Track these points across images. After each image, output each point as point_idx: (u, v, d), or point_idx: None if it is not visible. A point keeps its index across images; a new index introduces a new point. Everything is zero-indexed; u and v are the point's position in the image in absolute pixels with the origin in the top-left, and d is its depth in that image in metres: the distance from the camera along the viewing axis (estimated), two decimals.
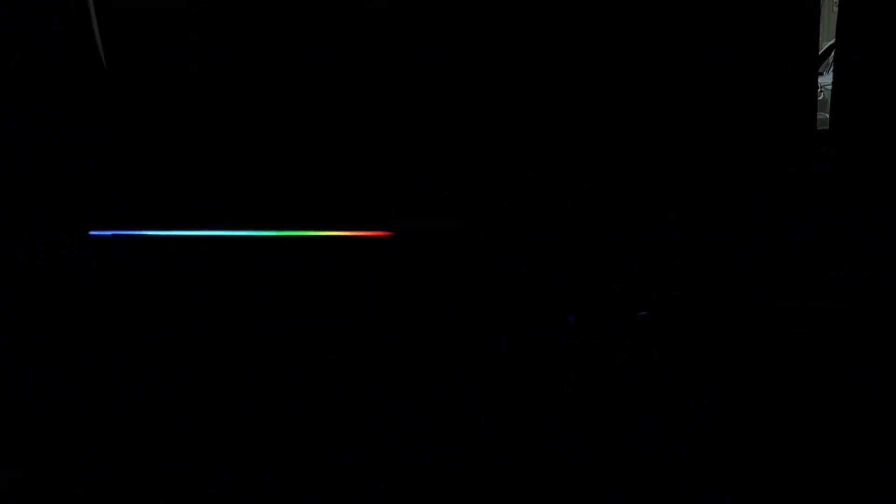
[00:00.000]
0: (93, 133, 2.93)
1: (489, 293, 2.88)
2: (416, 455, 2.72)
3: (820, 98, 3.61)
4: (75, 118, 2.87)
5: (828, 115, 2.96)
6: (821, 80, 3.76)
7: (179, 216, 2.86)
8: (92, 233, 2.92)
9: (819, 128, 2.93)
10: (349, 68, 2.86)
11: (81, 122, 2.91)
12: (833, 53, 2.99)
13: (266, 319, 2.90)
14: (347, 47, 2.88)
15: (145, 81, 2.94)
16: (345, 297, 2.89)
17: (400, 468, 2.70)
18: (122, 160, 2.96)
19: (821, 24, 2.92)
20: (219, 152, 2.95)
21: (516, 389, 2.85)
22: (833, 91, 2.84)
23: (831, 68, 3.94)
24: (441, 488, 2.69)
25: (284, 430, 2.81)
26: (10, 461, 2.69)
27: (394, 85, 2.90)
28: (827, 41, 4.21)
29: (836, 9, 2.97)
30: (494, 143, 2.85)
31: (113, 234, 2.92)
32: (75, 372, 2.81)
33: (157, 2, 2.82)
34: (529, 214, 2.91)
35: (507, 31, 2.84)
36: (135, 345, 2.87)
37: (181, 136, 2.96)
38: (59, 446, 2.76)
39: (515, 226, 2.88)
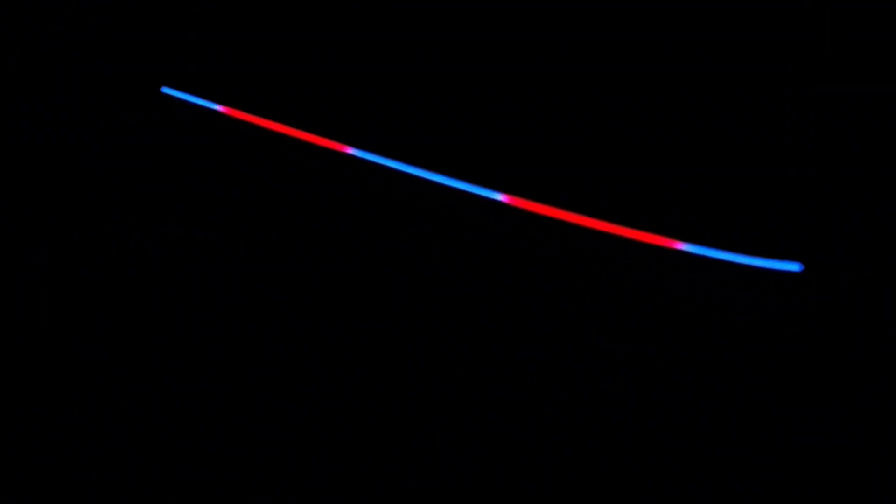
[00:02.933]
0: (93, 133, 2.94)
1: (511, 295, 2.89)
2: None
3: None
4: (75, 118, 2.88)
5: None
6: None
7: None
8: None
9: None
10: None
11: (81, 122, 2.92)
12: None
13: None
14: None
15: (145, 81, 2.95)
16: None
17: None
18: (121, 160, 2.97)
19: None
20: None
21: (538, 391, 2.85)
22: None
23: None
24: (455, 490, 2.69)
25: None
26: (9, 461, 2.69)
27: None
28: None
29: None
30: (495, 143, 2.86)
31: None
32: (75, 371, 2.81)
33: (157, 2, 2.83)
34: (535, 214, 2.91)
35: (506, 31, 2.84)
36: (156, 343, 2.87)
37: (179, 136, 2.97)
38: (59, 446, 2.76)
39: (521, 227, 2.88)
